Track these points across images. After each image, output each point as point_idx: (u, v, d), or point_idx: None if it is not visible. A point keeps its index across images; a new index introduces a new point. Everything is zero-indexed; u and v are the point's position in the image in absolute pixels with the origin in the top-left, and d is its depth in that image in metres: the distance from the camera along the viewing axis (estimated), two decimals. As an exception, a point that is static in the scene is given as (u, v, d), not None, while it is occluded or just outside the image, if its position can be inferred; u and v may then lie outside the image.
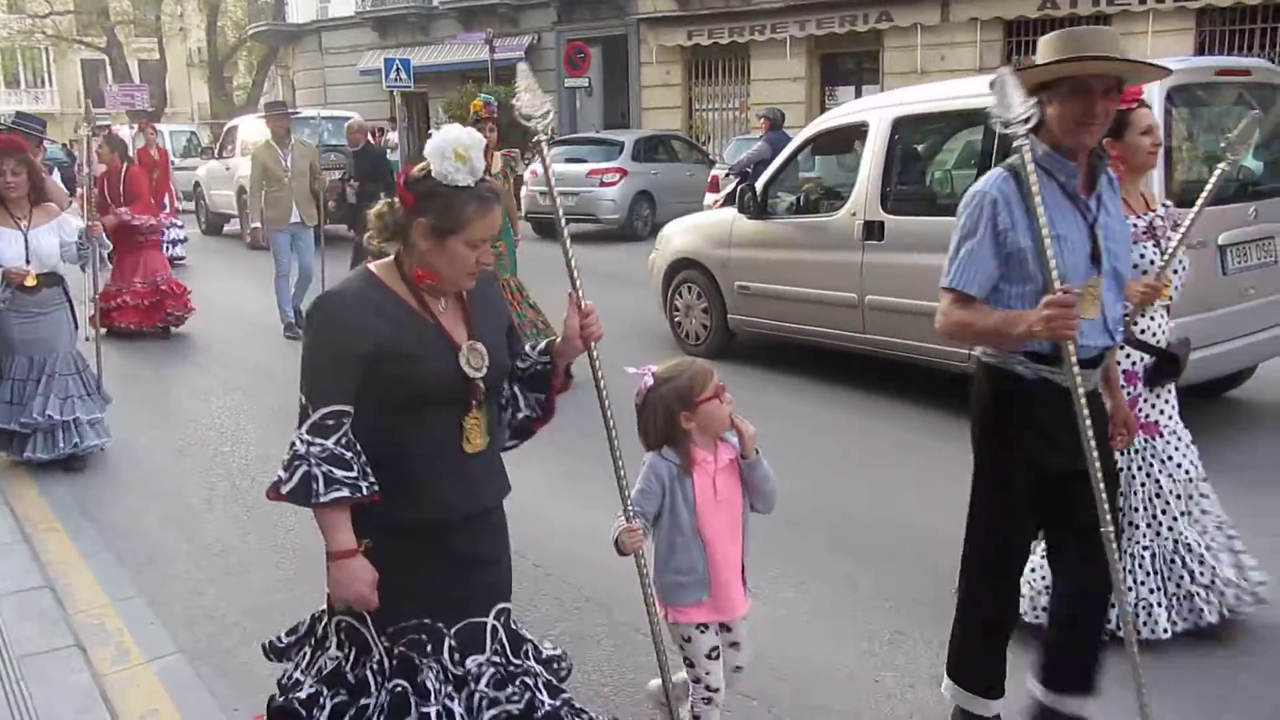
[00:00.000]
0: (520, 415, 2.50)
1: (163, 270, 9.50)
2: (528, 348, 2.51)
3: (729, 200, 13.34)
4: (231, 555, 4.59)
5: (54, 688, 3.36)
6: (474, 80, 23.24)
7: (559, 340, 2.43)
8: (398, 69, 21.20)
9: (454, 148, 2.11)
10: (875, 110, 6.83)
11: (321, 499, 2.14)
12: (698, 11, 21.74)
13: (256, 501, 5.22)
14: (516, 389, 2.49)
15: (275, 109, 9.84)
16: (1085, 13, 17.40)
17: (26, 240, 5.36)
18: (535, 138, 2.44)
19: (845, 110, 7.64)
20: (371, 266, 2.28)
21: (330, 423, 2.15)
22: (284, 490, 2.16)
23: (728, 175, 13.74)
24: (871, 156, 6.57)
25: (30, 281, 5.32)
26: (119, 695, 3.39)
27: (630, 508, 2.57)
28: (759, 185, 7.50)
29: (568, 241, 2.46)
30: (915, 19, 19.13)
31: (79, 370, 5.73)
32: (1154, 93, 5.03)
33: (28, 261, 5.32)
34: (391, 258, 2.28)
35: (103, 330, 7.67)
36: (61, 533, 4.85)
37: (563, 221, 2.44)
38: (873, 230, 6.50)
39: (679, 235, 8.42)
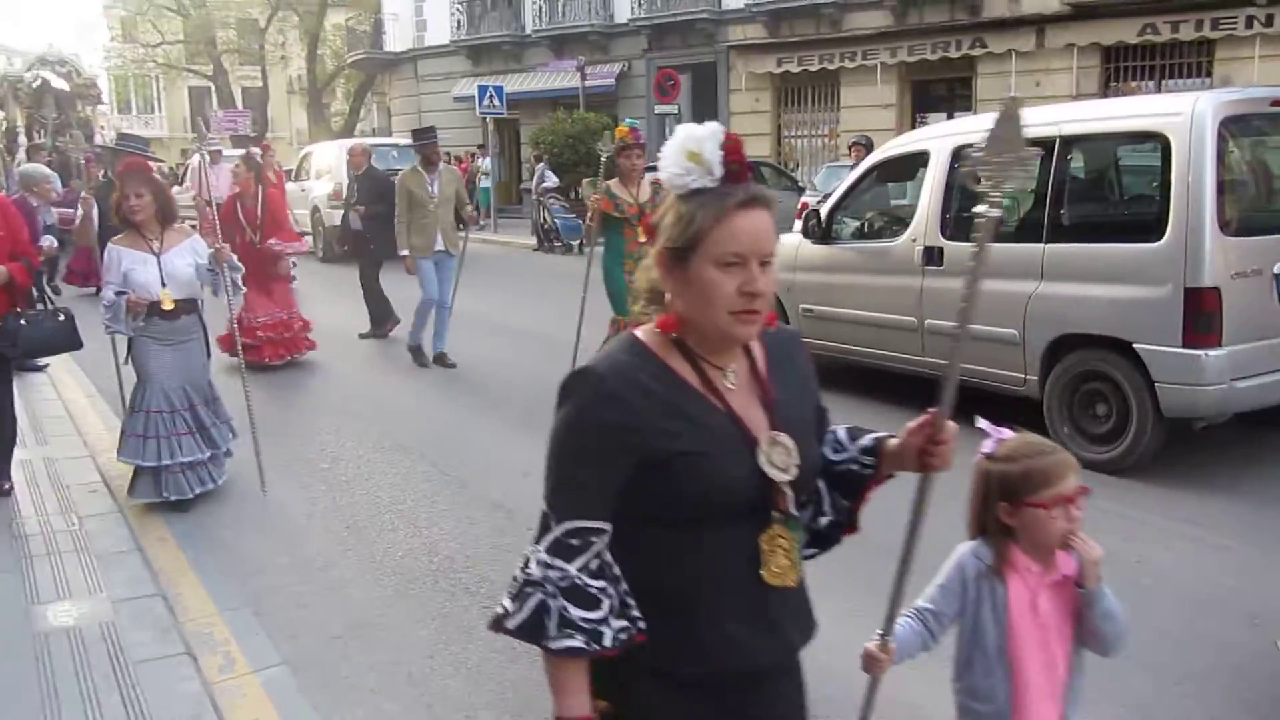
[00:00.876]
0: (824, 520, 1.87)
1: (294, 304, 9.30)
2: (842, 433, 1.90)
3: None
4: (332, 570, 4.70)
5: (166, 694, 3.48)
6: (564, 107, 23.58)
7: (892, 443, 1.81)
8: (491, 95, 21.62)
9: (686, 147, 1.61)
10: (936, 139, 7.01)
11: (550, 645, 1.58)
12: (788, 39, 21.75)
13: (355, 518, 5.34)
14: (822, 485, 1.86)
15: (424, 136, 9.36)
16: (1188, 38, 16.97)
17: (160, 263, 5.21)
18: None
19: (907, 139, 7.80)
20: (639, 332, 1.70)
21: (576, 542, 1.58)
22: (510, 625, 1.60)
23: (819, 202, 13.66)
24: (932, 184, 6.72)
25: (168, 305, 5.19)
26: (227, 704, 3.49)
27: (899, 621, 2.02)
28: (824, 211, 7.69)
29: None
30: (1010, 45, 18.86)
31: (209, 401, 5.52)
32: (1206, 122, 5.26)
33: (163, 285, 5.18)
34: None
35: (239, 360, 7.82)
36: (171, 543, 5.02)
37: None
38: (932, 256, 6.61)
39: None
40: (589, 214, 7.12)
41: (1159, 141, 5.55)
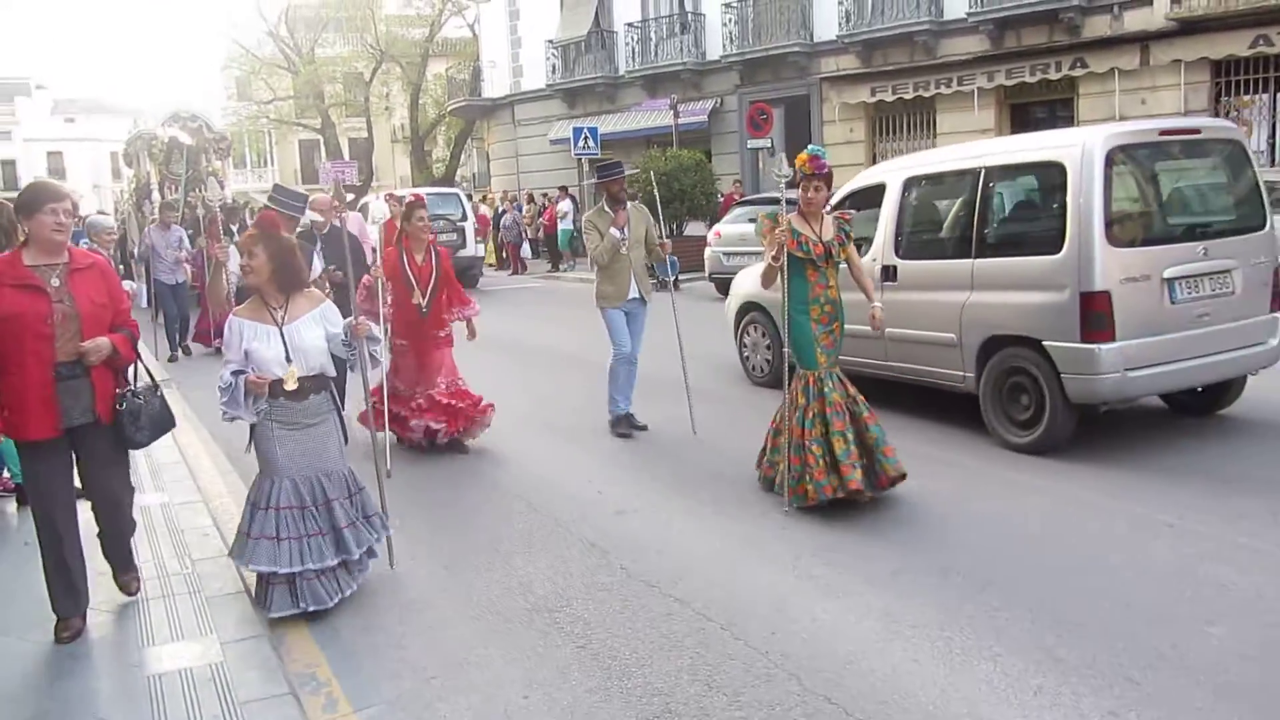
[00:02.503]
0: None
1: (457, 372, 7.80)
2: None
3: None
4: (429, 611, 4.77)
5: (271, 733, 3.57)
6: (657, 145, 23.80)
7: None
8: (585, 137, 21.96)
9: None
10: (891, 172, 8.16)
11: None
12: (881, 68, 21.61)
13: (452, 559, 5.43)
14: None
15: (609, 170, 7.97)
16: (1304, 48, 16.30)
17: (284, 336, 4.57)
18: None
19: (867, 174, 8.89)
20: None
21: None
22: None
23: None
24: (887, 211, 7.82)
25: (291, 384, 4.55)
26: (329, 743, 3.57)
27: None
28: None
29: None
30: (1112, 64, 18.39)
31: (351, 493, 4.81)
32: (1095, 153, 6.34)
33: (288, 360, 4.56)
34: None
35: (391, 435, 7.57)
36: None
37: None
38: (889, 273, 7.71)
39: (746, 281, 9.68)
40: (772, 252, 5.85)
41: (1058, 170, 6.53)
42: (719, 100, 24.84)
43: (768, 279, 6.05)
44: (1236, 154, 7.01)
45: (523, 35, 29.71)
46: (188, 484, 6.85)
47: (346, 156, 40.67)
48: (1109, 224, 6.29)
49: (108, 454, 4.55)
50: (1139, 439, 7.01)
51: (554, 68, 28.18)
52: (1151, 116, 18.06)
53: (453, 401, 7.55)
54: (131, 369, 4.68)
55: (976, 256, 7.07)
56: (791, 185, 6.03)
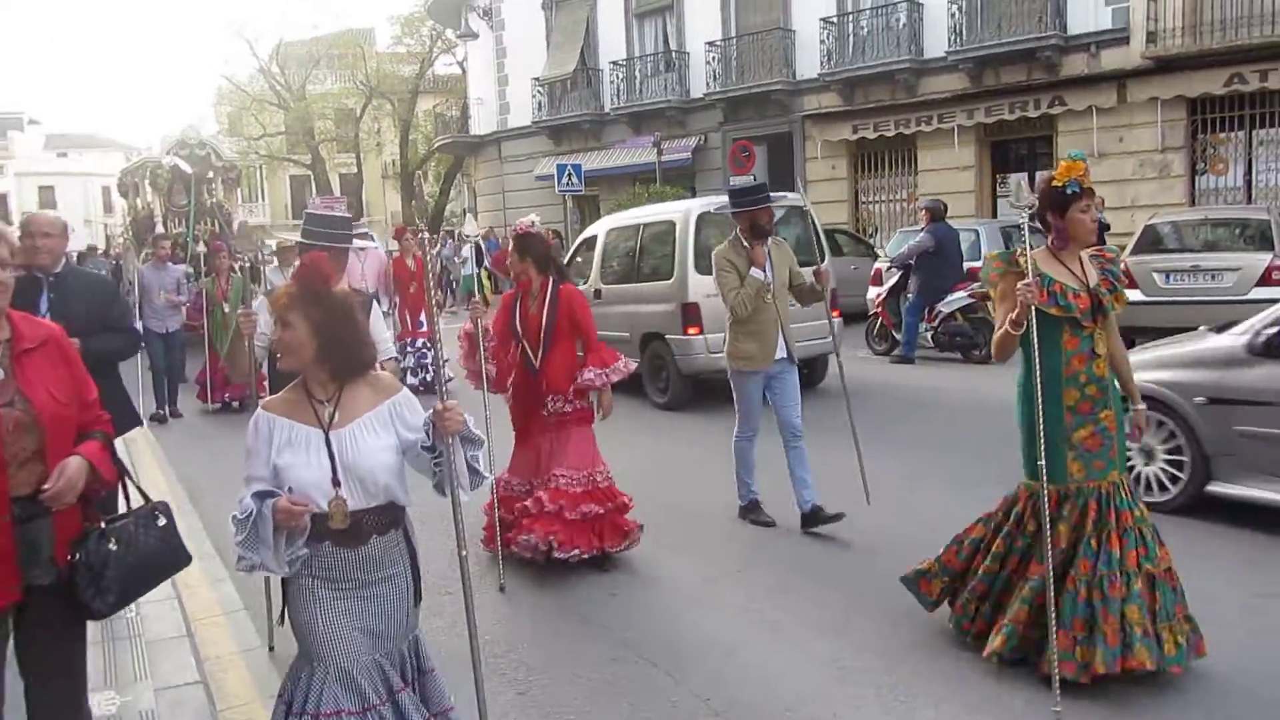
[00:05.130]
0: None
1: (598, 459, 5.67)
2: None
3: (891, 294, 13.17)
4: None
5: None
6: (641, 181, 23.93)
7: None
8: (569, 174, 22.05)
9: None
10: (601, 226, 12.11)
11: None
12: (863, 105, 21.78)
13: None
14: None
15: (748, 196, 6.18)
16: (1276, 87, 16.48)
17: (331, 445, 2.88)
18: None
19: (588, 231, 12.51)
20: None
21: None
22: None
23: (890, 268, 13.55)
24: (597, 253, 11.62)
25: (340, 522, 2.86)
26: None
27: None
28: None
29: None
30: (1090, 101, 18.55)
31: (418, 670, 3.11)
32: (690, 218, 10.27)
33: (336, 483, 2.86)
34: None
35: (493, 550, 5.57)
36: (224, 627, 5.10)
37: None
38: (598, 294, 11.17)
39: None
40: (1013, 313, 3.88)
41: (671, 226, 10.37)
42: (703, 137, 25.01)
43: (1003, 349, 4.04)
44: (797, 213, 10.41)
45: (510, 73, 29.93)
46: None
47: (337, 192, 40.98)
48: (696, 259, 9.97)
49: (59, 625, 3.01)
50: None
51: (540, 105, 28.38)
52: (1130, 153, 18.27)
53: (584, 506, 5.44)
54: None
55: (637, 281, 10.97)
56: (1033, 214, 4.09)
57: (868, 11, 21.63)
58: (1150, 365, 6.17)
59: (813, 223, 8.40)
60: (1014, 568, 4.11)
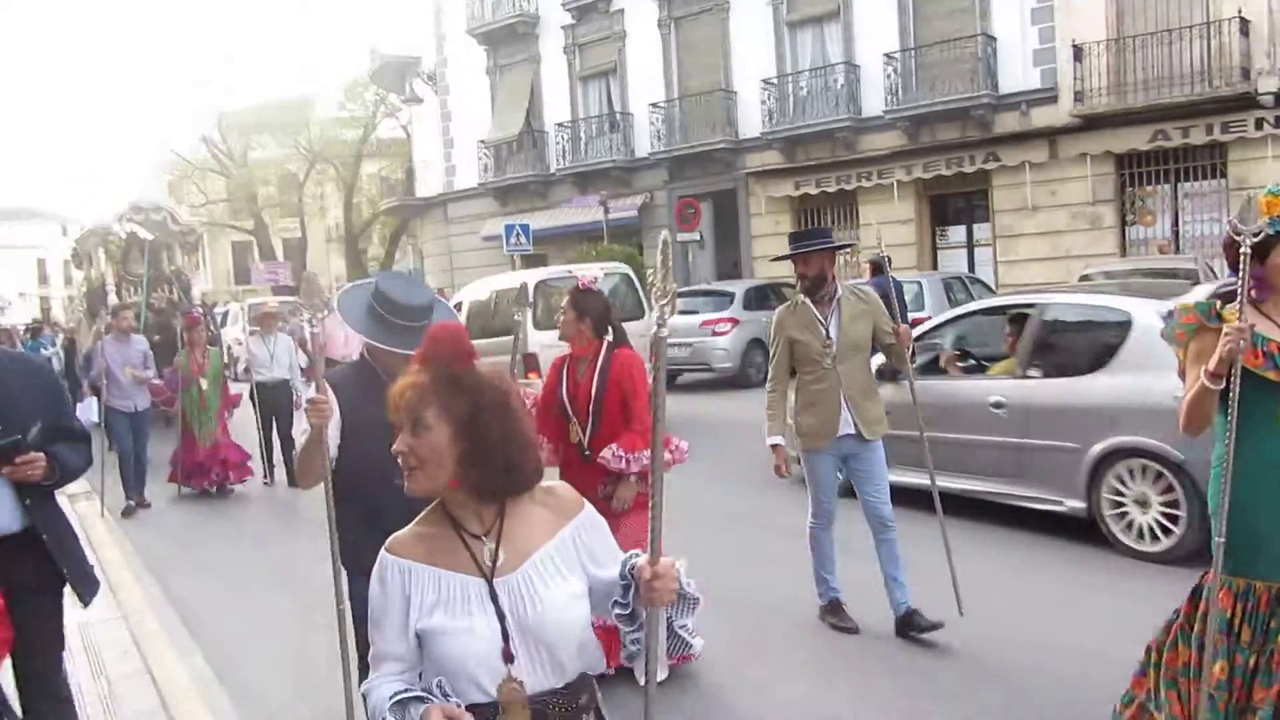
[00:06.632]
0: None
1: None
2: None
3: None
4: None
5: None
6: (589, 239, 24.18)
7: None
8: (517, 234, 22.20)
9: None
10: (465, 292, 14.97)
11: None
12: (804, 163, 22.31)
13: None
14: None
15: (807, 241, 5.35)
16: (1199, 142, 17.23)
17: (498, 599, 1.98)
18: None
19: (455, 297, 15.00)
20: None
21: None
22: None
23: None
24: (463, 314, 12.95)
25: (517, 715, 1.96)
26: None
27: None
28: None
29: None
30: (1023, 157, 19.22)
31: None
32: (530, 283, 11.43)
33: (508, 655, 1.96)
34: None
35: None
36: (198, 702, 5.04)
37: None
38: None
39: None
40: (1212, 366, 3.00)
41: (522, 289, 9.99)
42: (649, 195, 25.37)
43: (1198, 416, 3.15)
44: (626, 280, 13.62)
45: (455, 136, 30.18)
46: (106, 598, 6.66)
47: (280, 257, 40.75)
48: (535, 319, 12.14)
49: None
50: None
51: (486, 167, 28.62)
52: (1062, 206, 18.91)
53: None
54: None
55: (491, 336, 11.96)
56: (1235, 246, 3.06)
57: (807, 73, 22.28)
58: None
59: (892, 280, 6.84)
60: (1238, 693, 3.10)
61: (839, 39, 21.80)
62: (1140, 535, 6.30)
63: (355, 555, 3.13)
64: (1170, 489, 6.15)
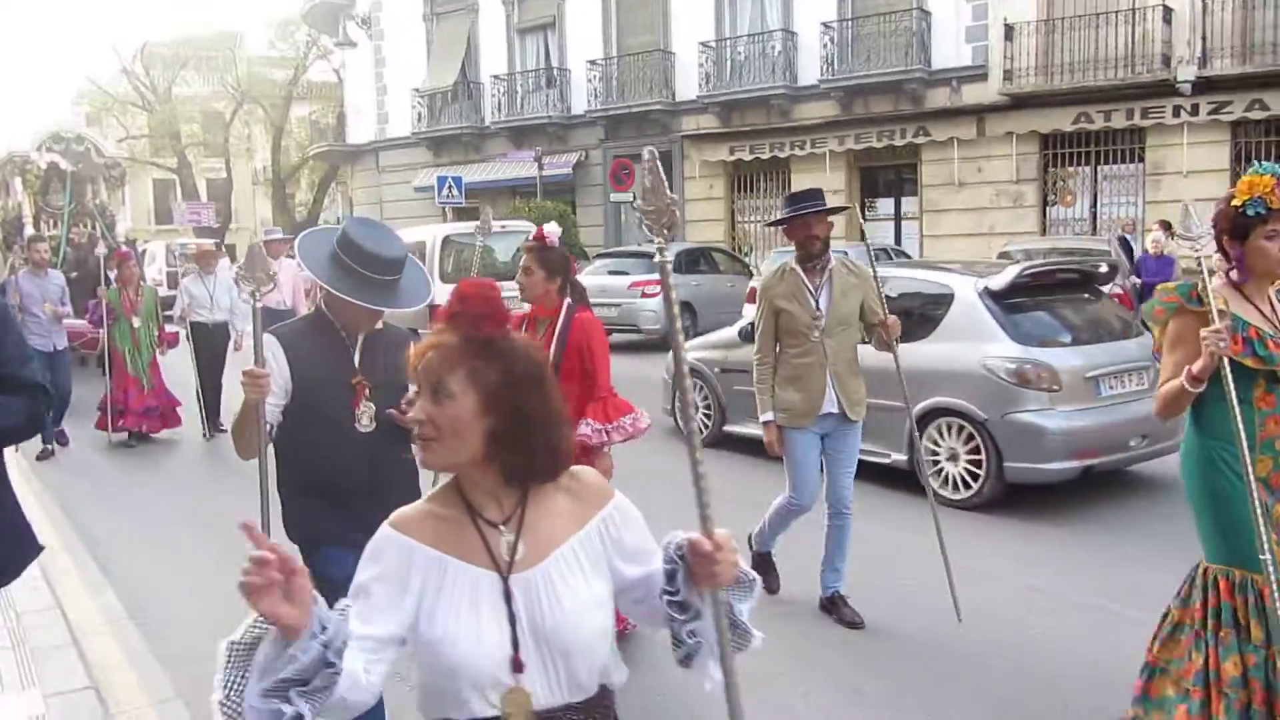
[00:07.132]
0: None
1: None
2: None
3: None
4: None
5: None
6: (522, 195, 24.06)
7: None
8: (450, 186, 22.03)
9: None
10: (430, 234, 15.38)
11: None
12: (739, 128, 22.43)
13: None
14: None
15: (803, 201, 4.93)
16: (1120, 126, 17.74)
17: (512, 601, 1.71)
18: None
19: (412, 233, 14.96)
20: None
21: None
22: None
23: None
24: (427, 264, 13.06)
25: None
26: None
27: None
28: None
29: None
30: (952, 134, 19.59)
31: None
32: (438, 240, 14.87)
33: (517, 665, 1.69)
34: None
35: None
36: (109, 636, 5.06)
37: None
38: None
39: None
40: (1201, 361, 3.01)
41: (422, 245, 12.77)
42: (584, 153, 25.29)
43: (1174, 408, 3.23)
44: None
45: (389, 83, 29.65)
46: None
47: (204, 198, 39.70)
48: (442, 273, 13.89)
49: None
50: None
51: (420, 116, 28.21)
52: (988, 183, 19.35)
53: None
54: None
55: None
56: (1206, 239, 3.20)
57: (745, 38, 22.34)
58: (697, 346, 9.18)
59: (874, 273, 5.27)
60: (1258, 694, 3.04)
61: (778, 5, 21.90)
62: (948, 484, 7.09)
63: (310, 522, 3.05)
64: (976, 447, 6.94)
